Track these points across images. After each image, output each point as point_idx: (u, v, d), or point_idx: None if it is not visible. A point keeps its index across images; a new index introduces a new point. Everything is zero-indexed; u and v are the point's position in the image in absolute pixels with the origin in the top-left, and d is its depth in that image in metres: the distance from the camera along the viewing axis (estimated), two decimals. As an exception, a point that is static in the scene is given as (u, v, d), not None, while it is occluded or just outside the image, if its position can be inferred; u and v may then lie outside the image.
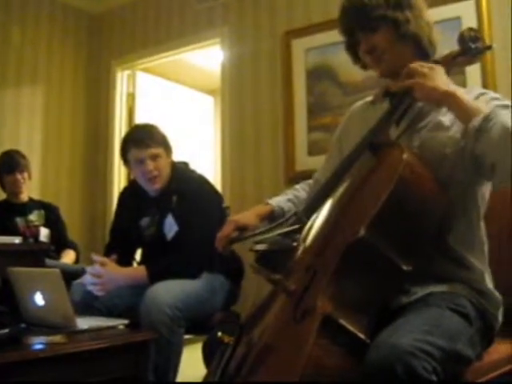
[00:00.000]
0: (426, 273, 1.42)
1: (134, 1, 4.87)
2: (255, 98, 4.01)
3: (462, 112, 1.37)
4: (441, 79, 1.41)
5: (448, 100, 1.38)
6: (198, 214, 2.51)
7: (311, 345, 1.13)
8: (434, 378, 1.14)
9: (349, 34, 1.65)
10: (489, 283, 1.51)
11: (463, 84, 2.99)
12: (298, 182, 3.55)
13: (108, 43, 5.04)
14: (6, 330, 1.84)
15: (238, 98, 4.11)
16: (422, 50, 1.59)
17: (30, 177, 3.75)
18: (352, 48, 1.66)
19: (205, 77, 5.42)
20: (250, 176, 3.96)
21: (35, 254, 2.68)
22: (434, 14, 3.03)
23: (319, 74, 3.61)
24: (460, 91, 1.41)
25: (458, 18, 3.07)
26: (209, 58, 4.57)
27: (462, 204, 1.48)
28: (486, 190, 1.54)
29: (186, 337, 2.40)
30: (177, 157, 2.81)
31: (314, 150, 3.62)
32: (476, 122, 1.32)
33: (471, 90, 1.55)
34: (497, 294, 1.52)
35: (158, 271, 2.42)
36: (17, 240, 2.71)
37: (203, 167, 4.30)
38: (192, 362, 2.53)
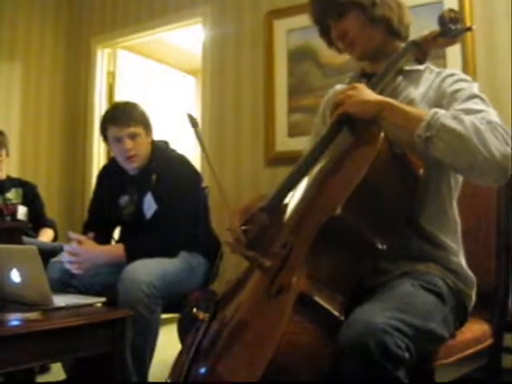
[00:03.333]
0: (400, 252, 1.45)
1: (116, -24, 4.81)
2: (236, 78, 3.99)
3: (403, 121, 1.36)
4: (369, 93, 1.41)
5: (386, 109, 1.38)
6: (177, 193, 2.51)
7: (286, 321, 1.13)
8: (406, 355, 1.16)
9: (320, 22, 1.66)
10: (463, 262, 1.54)
11: (444, 67, 3.00)
12: (277, 163, 3.60)
13: (88, 20, 4.97)
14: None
15: (219, 79, 4.08)
16: (394, 31, 1.61)
17: (7, 154, 3.70)
18: (326, 34, 1.68)
19: (187, 57, 5.39)
20: (230, 156, 3.96)
21: (12, 232, 2.67)
22: (417, -1, 3.08)
23: (300, 56, 3.59)
24: (395, 100, 1.41)
25: (440, 2, 3.07)
26: (191, 38, 4.54)
27: (435, 184, 1.49)
28: None
29: (164, 316, 2.40)
30: (158, 136, 2.80)
31: (294, 131, 3.62)
32: (420, 131, 1.32)
33: (441, 72, 1.58)
34: (470, 273, 1.54)
35: (135, 249, 2.41)
36: (-7, 217, 2.69)
37: (185, 147, 4.28)
38: (170, 340, 2.54)
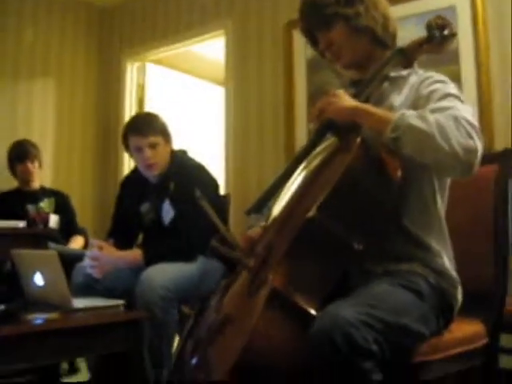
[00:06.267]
0: (385, 253, 1.48)
1: (143, -5, 4.99)
2: (258, 87, 4.08)
3: (376, 124, 1.41)
4: (346, 99, 1.47)
5: (359, 113, 1.43)
6: (193, 200, 2.59)
7: (258, 314, 1.19)
8: (374, 347, 1.20)
9: (308, 34, 1.73)
10: (446, 262, 1.55)
11: (458, 74, 3.02)
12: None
13: (118, 36, 5.15)
14: (3, 306, 1.96)
15: (241, 89, 4.18)
16: (378, 41, 1.65)
17: (40, 166, 3.87)
18: (316, 45, 1.73)
19: (215, 68, 5.46)
20: (253, 163, 4.04)
21: (38, 238, 2.80)
22: (428, 4, 3.11)
23: (319, 64, 3.61)
24: (368, 105, 1.47)
25: (452, 7, 3.08)
26: (218, 49, 4.65)
27: (417, 185, 1.52)
28: None
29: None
30: (187, 147, 2.93)
31: (313, 138, 3.65)
32: (389, 132, 1.36)
33: (422, 74, 1.62)
34: (454, 273, 1.56)
35: (153, 254, 2.51)
36: (21, 224, 2.82)
37: (213, 157, 4.38)
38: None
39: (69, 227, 3.77)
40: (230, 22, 4.28)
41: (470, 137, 1.32)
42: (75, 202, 4.04)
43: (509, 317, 1.87)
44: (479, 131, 1.36)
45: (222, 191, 3.04)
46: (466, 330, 1.66)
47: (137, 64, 5.03)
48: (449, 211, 1.64)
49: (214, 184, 2.79)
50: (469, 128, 1.33)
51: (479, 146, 1.32)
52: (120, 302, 2.25)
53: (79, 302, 2.12)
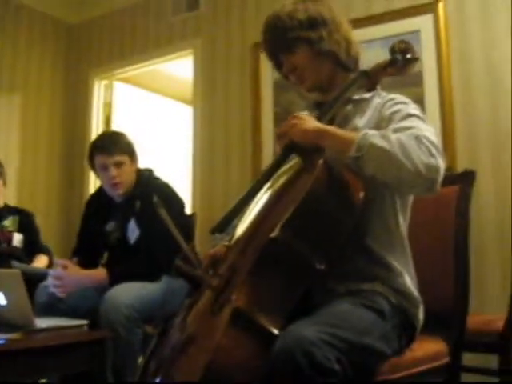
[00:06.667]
0: (347, 272, 1.49)
1: (112, 12, 4.98)
2: (225, 107, 4.12)
3: (340, 145, 1.42)
4: (309, 121, 1.48)
5: (323, 135, 1.44)
6: (159, 219, 2.58)
7: (220, 334, 1.20)
8: (336, 366, 1.20)
9: (272, 57, 1.74)
10: (408, 282, 1.55)
11: (421, 96, 3.10)
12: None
13: (86, 53, 5.14)
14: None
15: (209, 108, 4.21)
16: (341, 64, 1.67)
17: (4, 183, 3.81)
18: (280, 68, 1.75)
19: (182, 87, 5.49)
20: (219, 182, 4.06)
21: (1, 257, 2.76)
22: (394, 28, 3.20)
23: (285, 85, 3.62)
24: (331, 127, 1.49)
25: (417, 31, 3.17)
26: (186, 68, 4.68)
27: (379, 204, 1.54)
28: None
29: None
30: (154, 166, 2.92)
31: (280, 159, 3.68)
32: (352, 152, 1.37)
33: (385, 96, 1.65)
34: (415, 292, 1.57)
35: (118, 273, 2.50)
36: (-17, 243, 2.78)
37: (180, 176, 4.39)
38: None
39: (33, 246, 3.70)
40: (198, 41, 4.31)
41: (432, 155, 1.34)
42: (40, 221, 3.98)
43: (470, 335, 1.89)
44: (441, 150, 1.38)
45: (188, 210, 3.03)
46: (428, 349, 1.67)
47: (104, 82, 5.02)
48: (411, 231, 1.66)
49: (180, 203, 2.79)
50: (430, 146, 1.35)
51: (441, 164, 1.35)
52: (83, 321, 2.23)
53: (42, 322, 2.10)
